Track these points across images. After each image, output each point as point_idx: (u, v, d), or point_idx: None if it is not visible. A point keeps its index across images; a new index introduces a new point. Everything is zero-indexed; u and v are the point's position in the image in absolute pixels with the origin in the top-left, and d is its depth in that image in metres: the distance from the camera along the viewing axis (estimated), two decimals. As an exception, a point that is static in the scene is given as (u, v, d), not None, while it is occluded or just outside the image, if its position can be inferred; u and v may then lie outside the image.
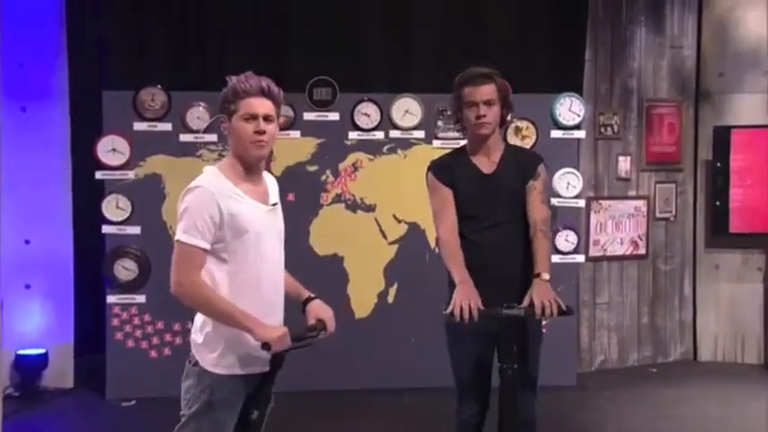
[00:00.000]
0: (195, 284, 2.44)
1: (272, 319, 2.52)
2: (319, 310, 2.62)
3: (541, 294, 2.85)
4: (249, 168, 2.53)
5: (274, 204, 2.60)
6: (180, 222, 2.46)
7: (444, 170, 3.10)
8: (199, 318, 2.56)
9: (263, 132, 2.47)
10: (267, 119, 2.49)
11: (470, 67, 3.08)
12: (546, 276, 2.91)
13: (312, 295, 2.66)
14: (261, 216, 2.52)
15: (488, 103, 3.02)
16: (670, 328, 5.77)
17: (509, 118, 3.21)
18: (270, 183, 2.65)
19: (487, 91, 3.03)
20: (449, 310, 2.84)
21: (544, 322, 3.08)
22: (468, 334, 2.98)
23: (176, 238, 2.46)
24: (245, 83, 2.48)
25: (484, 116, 3.01)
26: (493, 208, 3.05)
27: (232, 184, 2.48)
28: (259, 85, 2.49)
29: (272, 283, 2.55)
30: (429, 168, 3.13)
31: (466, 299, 2.82)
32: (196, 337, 2.55)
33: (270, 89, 2.51)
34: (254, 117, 2.47)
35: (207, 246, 2.44)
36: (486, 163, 3.09)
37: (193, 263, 2.44)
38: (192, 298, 2.44)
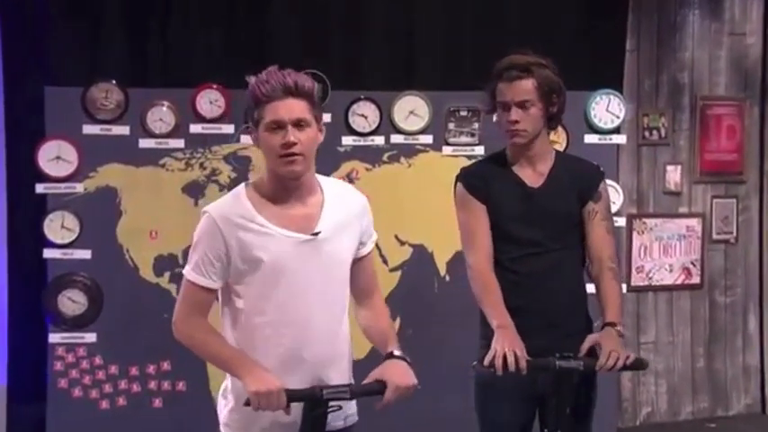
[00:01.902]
0: (191, 326, 2.51)
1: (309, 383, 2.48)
2: (386, 370, 2.52)
3: (610, 346, 2.80)
4: (285, 188, 2.49)
5: (316, 234, 2.49)
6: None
7: (479, 181, 3.05)
8: None
9: (293, 144, 2.41)
10: (298, 125, 2.43)
11: (505, 55, 3.04)
12: (620, 328, 2.88)
13: (395, 352, 2.58)
14: (290, 247, 2.46)
15: (523, 105, 2.95)
16: (732, 374, 5.83)
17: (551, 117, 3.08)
18: (331, 202, 2.56)
19: (523, 89, 2.95)
20: (487, 362, 2.77)
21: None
22: (507, 391, 2.93)
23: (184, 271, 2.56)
24: (265, 84, 2.42)
25: (516, 122, 2.95)
26: (538, 231, 3.01)
27: (252, 209, 2.47)
28: (282, 82, 2.41)
29: (309, 334, 2.50)
30: (459, 177, 3.10)
31: (510, 347, 2.76)
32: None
33: (299, 86, 2.42)
34: (279, 126, 2.42)
35: (211, 284, 2.49)
36: (530, 175, 3.05)
37: (194, 302, 2.52)
38: (187, 340, 2.54)
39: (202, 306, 2.51)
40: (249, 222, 2.46)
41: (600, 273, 3.03)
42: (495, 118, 3.21)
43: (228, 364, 2.46)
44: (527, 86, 2.95)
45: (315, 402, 2.43)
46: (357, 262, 2.67)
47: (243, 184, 2.57)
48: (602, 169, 3.18)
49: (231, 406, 2.53)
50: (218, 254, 2.46)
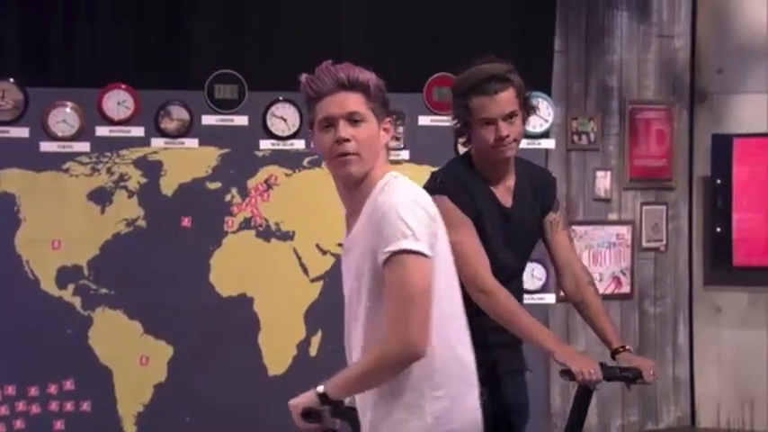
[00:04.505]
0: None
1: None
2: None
3: (643, 360, 3.03)
4: (346, 192, 2.44)
5: (340, 245, 2.51)
6: None
7: (466, 193, 2.91)
8: None
9: (345, 140, 2.31)
10: (352, 119, 2.33)
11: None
12: (631, 349, 3.05)
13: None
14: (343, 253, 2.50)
15: (510, 116, 2.89)
16: (662, 387, 5.90)
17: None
18: (371, 210, 2.34)
19: (507, 100, 2.88)
20: (581, 377, 2.77)
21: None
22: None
23: None
24: (316, 80, 2.36)
25: (507, 137, 2.86)
26: (513, 253, 3.00)
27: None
28: (335, 77, 2.34)
29: (347, 341, 2.49)
30: (438, 190, 2.83)
31: (587, 361, 2.82)
32: None
33: (351, 78, 2.34)
34: (330, 123, 2.33)
35: None
36: (503, 192, 3.00)
37: None
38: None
39: None
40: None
41: (580, 289, 3.07)
42: (450, 122, 3.12)
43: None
44: (510, 97, 2.89)
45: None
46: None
47: None
48: (553, 175, 3.24)
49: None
50: None
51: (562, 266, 3.10)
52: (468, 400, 2.38)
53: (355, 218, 2.40)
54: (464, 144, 3.07)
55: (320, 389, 2.32)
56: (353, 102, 2.33)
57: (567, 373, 2.78)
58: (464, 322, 2.42)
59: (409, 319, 2.21)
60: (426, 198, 2.35)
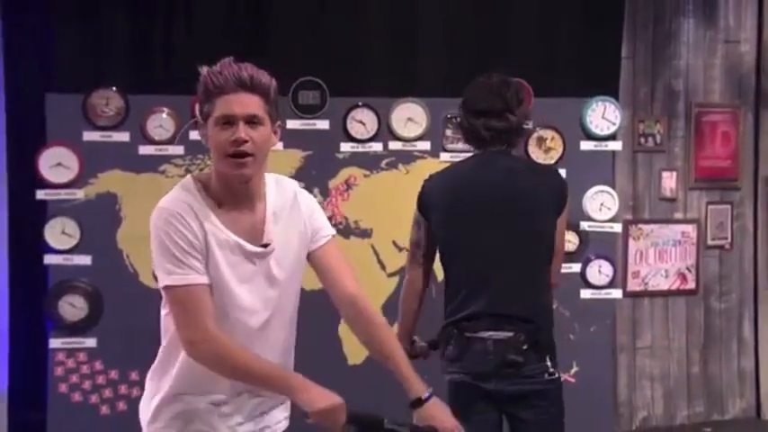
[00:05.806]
0: (211, 338, 2.26)
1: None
2: (433, 415, 2.39)
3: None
4: (232, 191, 2.33)
5: (265, 245, 2.35)
6: (156, 265, 2.33)
7: None
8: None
9: (244, 141, 2.25)
10: (251, 121, 2.27)
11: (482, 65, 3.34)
12: None
13: (424, 396, 2.41)
14: (239, 260, 2.32)
15: None
16: (727, 379, 5.91)
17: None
18: (274, 209, 2.39)
19: None
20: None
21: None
22: None
23: (161, 286, 2.32)
24: (218, 75, 2.28)
25: None
26: None
27: (209, 205, 2.32)
28: (237, 75, 2.28)
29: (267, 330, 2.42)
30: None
31: None
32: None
33: (254, 80, 2.28)
34: (229, 121, 2.26)
35: (204, 279, 2.27)
36: None
37: (197, 307, 2.27)
38: (211, 357, 2.29)
39: (207, 310, 2.26)
40: (207, 219, 2.31)
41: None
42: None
43: (273, 381, 2.34)
44: None
45: (375, 429, 2.33)
46: (315, 252, 2.51)
47: (189, 177, 2.42)
48: None
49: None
50: (194, 242, 2.27)
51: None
52: None
53: (243, 216, 2.34)
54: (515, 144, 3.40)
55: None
56: (254, 104, 2.27)
57: None
58: None
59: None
60: None
